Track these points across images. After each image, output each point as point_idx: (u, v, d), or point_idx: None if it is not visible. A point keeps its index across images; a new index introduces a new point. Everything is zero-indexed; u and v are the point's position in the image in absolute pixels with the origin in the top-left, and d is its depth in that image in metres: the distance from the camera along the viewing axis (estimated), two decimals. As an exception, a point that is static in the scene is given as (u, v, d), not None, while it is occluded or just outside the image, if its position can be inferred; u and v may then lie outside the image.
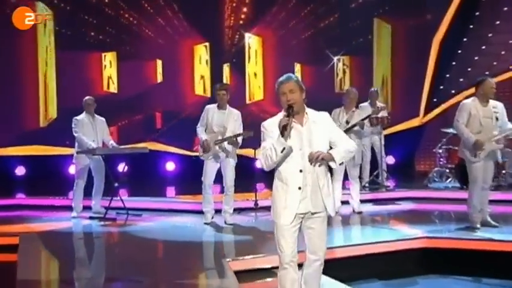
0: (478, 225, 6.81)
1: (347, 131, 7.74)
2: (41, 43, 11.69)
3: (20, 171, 11.78)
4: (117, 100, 11.92)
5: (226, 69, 12.43)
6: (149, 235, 7.09)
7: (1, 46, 11.17)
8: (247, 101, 12.55)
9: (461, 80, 12.22)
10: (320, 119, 3.95)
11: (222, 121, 7.15)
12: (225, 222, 7.41)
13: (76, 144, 8.12)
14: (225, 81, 12.15)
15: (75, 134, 8.03)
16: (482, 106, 6.63)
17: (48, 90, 11.77)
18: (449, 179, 10.03)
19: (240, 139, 7.13)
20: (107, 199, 8.20)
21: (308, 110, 3.96)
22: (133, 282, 5.18)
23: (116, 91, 12.12)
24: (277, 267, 4.11)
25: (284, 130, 3.72)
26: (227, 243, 6.72)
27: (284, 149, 3.75)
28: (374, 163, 9.98)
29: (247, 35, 12.40)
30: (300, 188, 3.85)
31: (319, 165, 3.83)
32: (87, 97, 8.33)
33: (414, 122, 12.69)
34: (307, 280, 4.08)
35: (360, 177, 9.53)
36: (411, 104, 12.70)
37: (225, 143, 7.15)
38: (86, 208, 8.33)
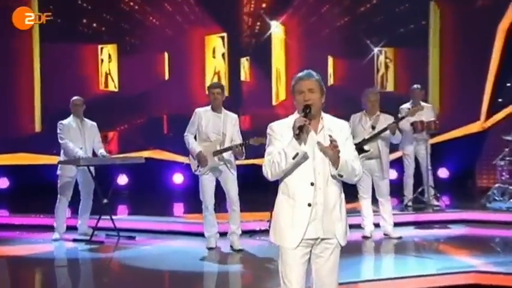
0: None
1: (373, 138, 7.67)
2: (35, 37, 11.83)
3: (3, 183, 11.87)
4: (117, 100, 11.91)
5: (245, 63, 12.38)
6: (141, 262, 7.05)
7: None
8: (274, 103, 12.45)
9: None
10: (336, 128, 3.94)
11: (219, 127, 7.10)
12: (232, 248, 7.32)
13: (62, 152, 8.10)
14: (243, 78, 12.12)
15: (60, 141, 8.01)
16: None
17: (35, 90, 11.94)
18: (513, 198, 9.68)
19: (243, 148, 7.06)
20: (96, 218, 8.16)
21: (324, 116, 3.96)
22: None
23: (116, 89, 12.14)
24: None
25: (300, 132, 3.69)
26: (232, 274, 6.67)
27: (297, 154, 3.71)
28: (420, 177, 9.75)
29: (273, 23, 12.28)
30: (310, 205, 3.80)
31: (331, 147, 3.72)
32: (75, 97, 8.30)
33: (474, 127, 12.30)
34: None
35: (402, 195, 9.70)
36: (470, 105, 12.36)
37: (227, 153, 7.09)
38: (72, 229, 8.29)
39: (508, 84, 12.36)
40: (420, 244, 7.92)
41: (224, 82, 11.99)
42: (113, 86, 12.13)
